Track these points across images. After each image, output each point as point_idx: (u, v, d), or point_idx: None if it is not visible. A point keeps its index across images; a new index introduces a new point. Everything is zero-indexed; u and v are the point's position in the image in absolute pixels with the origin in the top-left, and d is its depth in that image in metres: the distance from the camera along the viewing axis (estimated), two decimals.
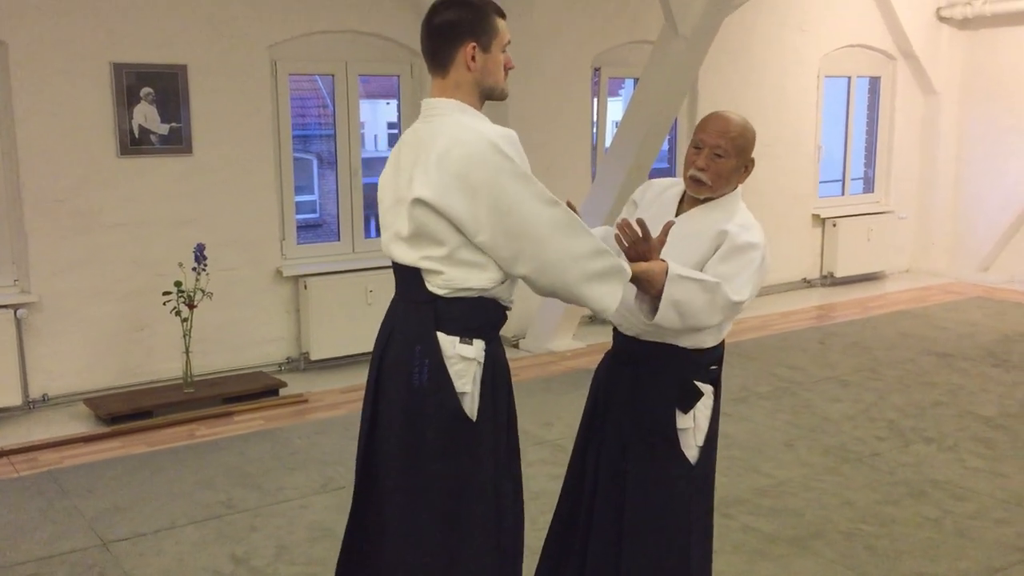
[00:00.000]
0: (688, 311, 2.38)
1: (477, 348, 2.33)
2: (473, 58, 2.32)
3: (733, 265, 2.46)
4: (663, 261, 2.39)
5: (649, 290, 2.38)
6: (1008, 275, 9.15)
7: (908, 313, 7.88)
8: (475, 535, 2.36)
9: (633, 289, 2.43)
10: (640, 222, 2.40)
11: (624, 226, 2.40)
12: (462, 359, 2.31)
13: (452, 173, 2.21)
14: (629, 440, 2.61)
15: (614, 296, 2.31)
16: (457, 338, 2.31)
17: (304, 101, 13.19)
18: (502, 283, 2.34)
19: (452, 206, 2.21)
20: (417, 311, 2.34)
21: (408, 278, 2.36)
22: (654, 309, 2.39)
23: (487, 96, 2.39)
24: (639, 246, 2.39)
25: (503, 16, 2.39)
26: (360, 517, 2.50)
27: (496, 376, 2.38)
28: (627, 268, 2.34)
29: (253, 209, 6.08)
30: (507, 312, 2.45)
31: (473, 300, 2.32)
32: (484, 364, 2.35)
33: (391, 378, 2.38)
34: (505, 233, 2.22)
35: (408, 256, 2.33)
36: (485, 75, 2.35)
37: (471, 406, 2.32)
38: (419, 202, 2.24)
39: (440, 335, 2.31)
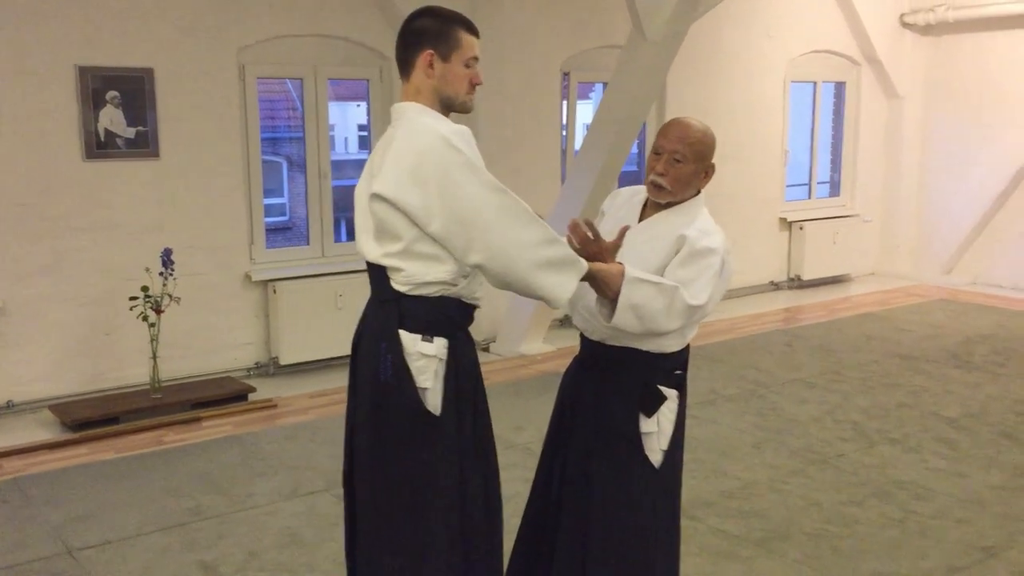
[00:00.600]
0: (646, 314, 2.41)
1: (438, 346, 2.41)
2: (431, 65, 2.43)
3: (691, 270, 2.48)
4: (620, 264, 2.43)
5: (606, 291, 2.42)
6: (971, 277, 9.31)
7: (873, 315, 7.99)
8: (439, 528, 2.43)
9: (595, 294, 2.47)
10: (588, 222, 2.46)
11: (574, 227, 2.44)
12: (423, 356, 2.40)
13: (406, 167, 2.33)
14: (594, 444, 2.63)
15: (566, 287, 2.36)
16: (419, 336, 2.40)
17: (273, 104, 13.11)
18: (464, 277, 2.41)
19: (405, 198, 2.31)
20: (383, 309, 2.44)
21: (376, 277, 2.47)
22: (613, 312, 2.42)
23: (448, 106, 2.48)
24: (589, 247, 2.43)
25: (473, 32, 2.49)
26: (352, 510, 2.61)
27: (459, 373, 2.46)
28: (582, 261, 2.39)
29: (221, 213, 6.05)
30: (472, 310, 2.52)
31: (434, 299, 2.40)
32: (447, 361, 2.43)
33: (361, 374, 2.49)
34: (456, 221, 2.30)
35: (372, 253, 2.43)
36: (443, 84, 2.45)
37: (434, 401, 2.41)
38: (376, 197, 2.36)
39: (402, 333, 2.40)
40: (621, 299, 2.38)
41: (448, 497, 2.43)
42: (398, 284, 2.40)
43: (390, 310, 2.42)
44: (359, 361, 2.50)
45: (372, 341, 2.45)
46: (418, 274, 2.37)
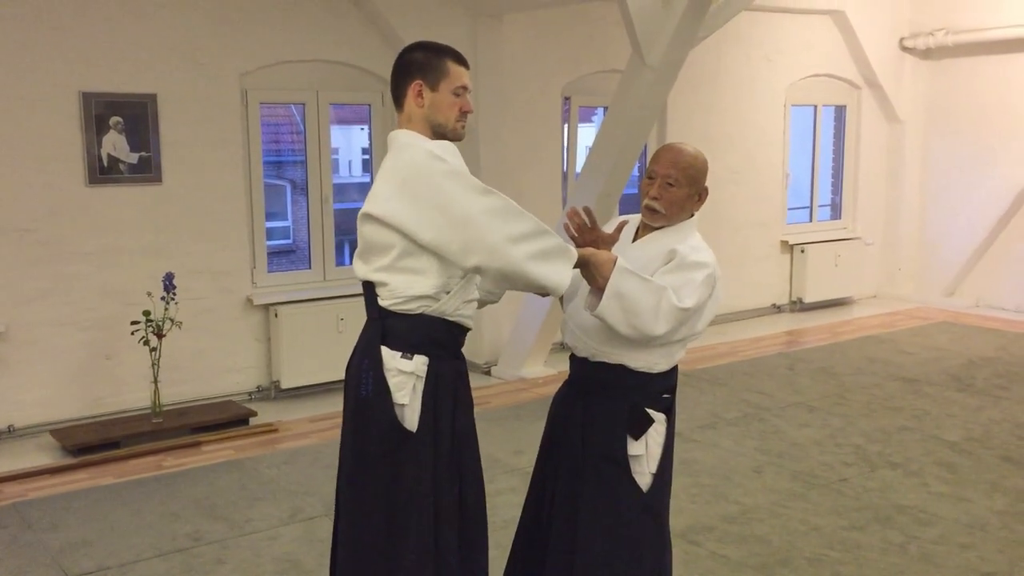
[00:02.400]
0: (632, 308, 2.44)
1: (417, 363, 2.48)
2: (420, 94, 2.51)
3: (679, 277, 2.52)
4: (613, 254, 2.50)
5: (596, 278, 2.47)
6: (973, 300, 9.29)
7: (875, 338, 7.98)
8: (411, 543, 2.48)
9: (589, 304, 2.51)
10: (587, 210, 2.56)
11: (572, 214, 2.56)
12: (400, 372, 2.47)
13: (395, 183, 2.43)
14: (582, 466, 2.65)
15: (562, 274, 2.45)
16: (399, 353, 2.48)
17: (278, 127, 13.18)
18: (446, 292, 2.47)
19: (396, 212, 2.40)
20: (371, 326, 2.55)
21: (368, 295, 2.56)
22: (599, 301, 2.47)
23: (439, 133, 2.55)
24: (586, 235, 2.55)
25: (462, 63, 2.56)
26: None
27: (438, 392, 2.50)
28: (572, 249, 2.48)
29: (223, 238, 6.07)
30: (459, 331, 2.57)
31: (415, 317, 2.48)
32: (426, 379, 2.48)
33: (348, 388, 2.57)
34: (449, 227, 2.38)
35: (361, 271, 2.53)
36: (433, 112, 2.53)
37: (411, 418, 2.48)
38: (366, 217, 2.46)
39: (384, 349, 2.48)
40: (608, 286, 2.43)
41: (421, 514, 2.48)
42: (383, 300, 2.49)
43: (375, 327, 2.52)
44: (348, 377, 2.59)
45: (357, 358, 2.56)
46: (401, 288, 2.46)
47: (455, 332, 2.56)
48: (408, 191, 2.40)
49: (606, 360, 2.62)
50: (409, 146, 2.49)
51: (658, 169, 2.62)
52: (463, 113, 2.55)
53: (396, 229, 2.41)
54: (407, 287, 2.45)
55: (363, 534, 2.52)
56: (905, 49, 9.40)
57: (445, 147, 2.51)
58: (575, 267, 2.48)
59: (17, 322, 5.44)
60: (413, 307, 2.47)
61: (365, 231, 2.48)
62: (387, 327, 2.49)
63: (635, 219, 2.79)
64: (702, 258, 2.56)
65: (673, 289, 2.48)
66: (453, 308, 2.51)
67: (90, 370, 5.67)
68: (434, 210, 2.38)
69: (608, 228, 2.86)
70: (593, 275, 2.48)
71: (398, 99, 2.57)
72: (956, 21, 9.03)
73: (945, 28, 9.08)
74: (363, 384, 2.49)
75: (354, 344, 2.64)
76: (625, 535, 2.60)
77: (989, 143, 8.98)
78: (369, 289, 2.54)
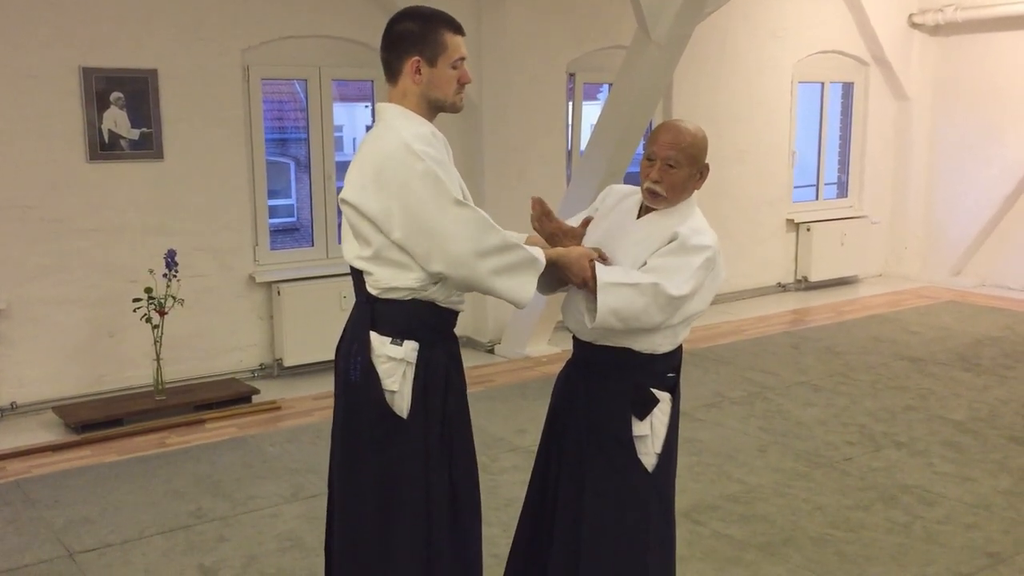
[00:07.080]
0: (628, 315, 2.44)
1: (406, 349, 2.43)
2: (418, 71, 2.42)
3: (678, 260, 2.49)
4: (582, 247, 2.52)
5: (570, 276, 2.47)
6: (979, 279, 9.25)
7: (881, 317, 7.95)
8: (404, 528, 2.45)
9: (587, 315, 2.49)
10: (538, 200, 2.53)
11: (536, 202, 2.53)
12: (389, 359, 2.43)
13: (369, 173, 2.36)
14: (586, 447, 2.62)
15: (526, 288, 2.42)
16: (388, 339, 2.43)
17: (282, 104, 13.14)
18: (434, 284, 2.42)
19: (368, 205, 2.35)
20: (359, 311, 2.50)
21: (356, 279, 2.52)
22: (594, 312, 2.45)
23: (437, 108, 2.49)
24: (546, 224, 2.52)
25: (458, 32, 2.47)
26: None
27: (428, 378, 2.46)
28: (539, 258, 2.43)
29: (225, 215, 6.04)
30: (451, 315, 2.53)
31: (404, 302, 2.42)
32: (416, 365, 2.44)
33: (338, 374, 2.54)
34: (416, 230, 2.33)
35: (348, 255, 2.49)
36: (431, 88, 2.44)
37: (401, 404, 2.43)
38: (344, 203, 2.41)
39: (373, 335, 2.43)
40: (600, 305, 2.41)
41: (413, 499, 2.46)
42: (370, 287, 2.45)
43: (364, 312, 2.47)
44: (338, 362, 2.55)
45: (346, 343, 2.51)
46: (386, 279, 2.41)
47: (446, 316, 2.51)
48: (381, 186, 2.33)
49: (610, 343, 2.59)
50: (391, 131, 2.39)
51: (657, 151, 2.55)
52: (461, 85, 2.47)
53: (370, 221, 2.36)
54: (392, 278, 2.40)
55: (357, 520, 2.49)
56: (914, 25, 9.30)
57: (426, 138, 2.39)
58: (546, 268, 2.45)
59: (19, 299, 5.42)
60: (402, 295, 2.42)
61: (347, 215, 2.43)
62: (376, 312, 2.44)
63: (633, 192, 2.73)
64: (703, 241, 2.53)
65: (669, 272, 2.46)
66: (444, 296, 2.46)
67: (93, 347, 5.66)
68: (404, 211, 2.32)
69: (600, 201, 2.82)
70: (567, 274, 2.48)
71: (392, 73, 2.46)
72: None
73: (955, 4, 8.98)
74: (352, 370, 2.44)
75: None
76: (630, 515, 2.58)
77: (998, 121, 8.90)
78: (357, 274, 2.49)
